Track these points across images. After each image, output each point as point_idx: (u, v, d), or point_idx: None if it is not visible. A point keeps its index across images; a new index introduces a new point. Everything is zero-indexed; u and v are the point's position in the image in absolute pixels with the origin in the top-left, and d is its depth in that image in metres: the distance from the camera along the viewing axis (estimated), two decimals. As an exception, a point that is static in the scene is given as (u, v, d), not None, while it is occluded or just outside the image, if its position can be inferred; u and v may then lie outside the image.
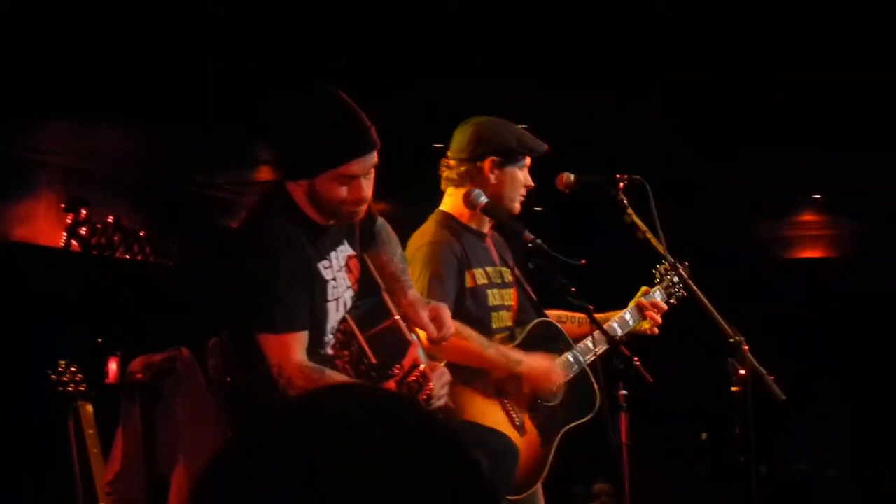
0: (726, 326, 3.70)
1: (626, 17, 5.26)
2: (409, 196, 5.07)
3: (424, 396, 3.08)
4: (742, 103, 6.40)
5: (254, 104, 5.73)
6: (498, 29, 5.40)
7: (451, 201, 3.97)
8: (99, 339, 6.23)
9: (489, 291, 3.92)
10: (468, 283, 3.86)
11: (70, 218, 7.13)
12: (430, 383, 3.09)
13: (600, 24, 5.37)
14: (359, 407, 1.28)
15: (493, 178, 3.91)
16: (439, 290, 3.72)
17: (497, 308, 3.94)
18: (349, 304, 3.24)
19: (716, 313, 3.73)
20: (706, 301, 3.79)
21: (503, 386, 3.85)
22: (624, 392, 3.50)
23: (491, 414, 3.79)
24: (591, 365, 3.97)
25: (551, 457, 3.88)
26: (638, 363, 3.41)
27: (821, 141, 6.89)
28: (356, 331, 3.14)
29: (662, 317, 4.20)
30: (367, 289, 3.32)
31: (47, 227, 7.03)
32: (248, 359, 3.07)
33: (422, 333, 3.37)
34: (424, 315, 3.34)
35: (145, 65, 5.58)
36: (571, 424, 3.95)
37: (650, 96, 6.24)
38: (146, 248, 7.61)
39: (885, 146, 6.85)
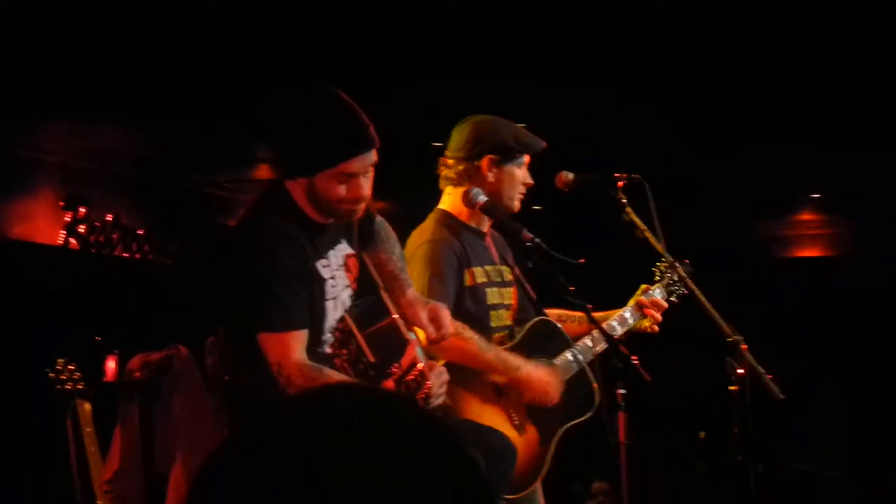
0: (724, 325, 3.70)
1: (626, 17, 5.26)
2: (409, 195, 5.07)
3: (423, 395, 3.08)
4: (742, 103, 6.40)
5: (254, 104, 5.73)
6: (498, 29, 5.40)
7: (450, 200, 3.97)
8: (97, 338, 6.23)
9: (488, 290, 3.92)
10: (467, 281, 3.86)
11: (68, 216, 7.13)
12: (429, 382, 3.09)
13: (600, 24, 5.37)
14: (358, 407, 1.29)
15: (490, 177, 3.90)
16: (440, 288, 3.72)
17: (496, 307, 3.94)
18: (348, 302, 3.24)
19: (714, 312, 3.73)
20: (704, 300, 3.79)
21: (502, 385, 3.84)
22: (622, 391, 3.49)
23: (489, 413, 3.79)
24: (590, 363, 3.97)
25: (550, 456, 3.88)
26: (636, 362, 3.41)
27: (820, 141, 6.89)
28: (354, 329, 3.14)
29: (661, 315, 4.20)
30: (365, 287, 3.32)
31: (45, 225, 7.02)
32: (248, 357, 3.07)
33: (420, 332, 3.37)
34: (423, 315, 3.34)
35: (145, 64, 5.59)
36: (570, 423, 3.94)
37: (650, 96, 6.24)
38: (145, 246, 7.61)
39: (884, 146, 6.85)
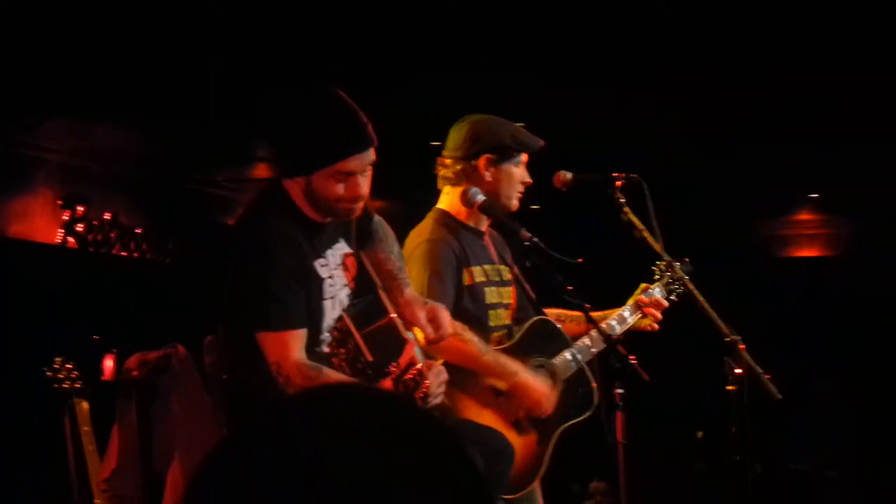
0: (723, 325, 3.70)
1: (626, 17, 5.26)
2: (408, 195, 5.07)
3: (421, 395, 3.08)
4: (741, 103, 6.40)
5: (253, 104, 5.73)
6: (498, 29, 5.40)
7: (448, 200, 3.97)
8: (95, 337, 6.22)
9: (487, 289, 3.92)
10: (466, 280, 3.85)
11: (67, 215, 7.13)
12: (427, 381, 3.09)
13: (600, 24, 5.38)
14: (357, 406, 1.29)
15: (488, 176, 3.90)
16: (439, 287, 3.72)
17: (495, 306, 3.94)
18: (345, 302, 3.24)
19: (712, 312, 3.73)
20: (703, 300, 3.79)
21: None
22: (620, 390, 3.49)
23: (487, 413, 3.78)
24: (589, 363, 3.97)
25: (548, 455, 3.88)
26: (634, 362, 3.41)
27: (819, 141, 6.89)
28: (352, 329, 3.13)
29: (661, 314, 4.19)
30: (363, 287, 3.31)
31: (44, 223, 7.02)
32: (246, 357, 3.07)
33: (419, 332, 3.37)
34: (421, 315, 3.33)
35: (145, 64, 5.59)
36: (569, 423, 3.93)
37: (650, 96, 6.24)
38: (143, 245, 7.61)
39: (883, 146, 6.85)
